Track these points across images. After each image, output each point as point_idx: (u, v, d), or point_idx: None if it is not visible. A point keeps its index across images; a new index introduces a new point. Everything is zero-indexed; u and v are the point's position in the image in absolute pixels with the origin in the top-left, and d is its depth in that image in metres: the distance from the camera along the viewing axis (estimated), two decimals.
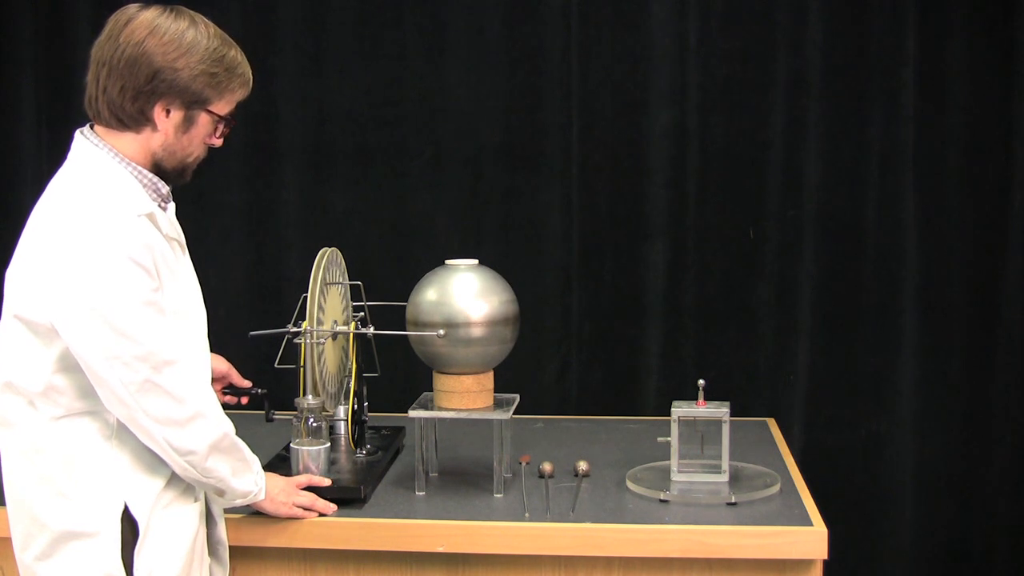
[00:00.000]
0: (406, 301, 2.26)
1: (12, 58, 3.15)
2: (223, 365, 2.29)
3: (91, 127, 1.84)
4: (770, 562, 2.03)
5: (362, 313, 2.47)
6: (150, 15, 1.78)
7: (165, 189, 1.87)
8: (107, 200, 1.75)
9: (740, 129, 3.01)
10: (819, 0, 2.95)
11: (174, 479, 1.84)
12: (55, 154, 3.13)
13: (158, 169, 1.84)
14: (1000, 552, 3.03)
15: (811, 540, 2.02)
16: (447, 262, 2.27)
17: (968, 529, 3.03)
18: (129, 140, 1.81)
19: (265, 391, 2.27)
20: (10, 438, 1.82)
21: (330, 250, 2.35)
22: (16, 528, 1.83)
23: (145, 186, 1.82)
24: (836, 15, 2.96)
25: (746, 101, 3.00)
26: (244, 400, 2.24)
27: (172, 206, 1.93)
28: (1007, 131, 2.94)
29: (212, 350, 2.01)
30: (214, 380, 2.25)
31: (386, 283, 2.69)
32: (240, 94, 1.87)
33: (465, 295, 2.19)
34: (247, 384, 2.28)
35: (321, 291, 2.25)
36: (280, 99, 3.09)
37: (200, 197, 3.07)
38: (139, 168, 1.82)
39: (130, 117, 1.79)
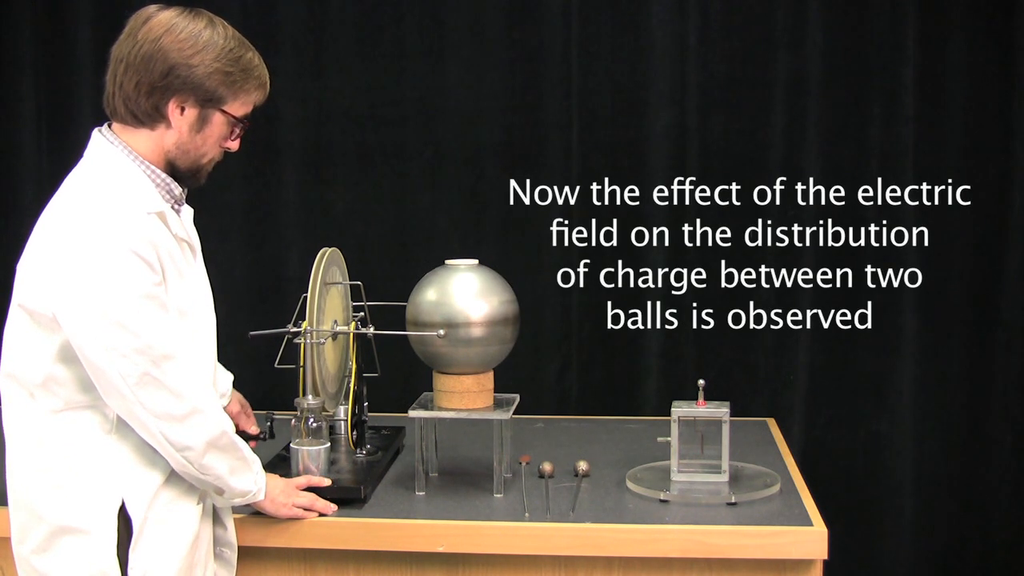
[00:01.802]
0: (406, 301, 2.26)
1: (12, 58, 3.15)
2: (236, 406, 2.30)
3: (109, 126, 1.86)
4: (770, 562, 2.03)
5: (362, 313, 2.47)
6: (168, 15, 1.81)
7: (178, 191, 1.88)
8: (116, 196, 1.76)
9: (740, 129, 3.01)
10: (819, 0, 2.96)
11: (173, 477, 1.84)
12: (55, 154, 3.16)
13: (172, 169, 1.85)
14: (999, 552, 3.03)
15: (811, 540, 2.02)
16: (447, 262, 2.27)
17: (968, 529, 3.04)
18: (144, 137, 1.82)
19: (273, 437, 2.29)
20: (13, 429, 1.83)
21: (330, 250, 2.35)
22: (15, 520, 1.83)
23: (158, 186, 1.84)
24: (836, 15, 2.96)
25: (746, 101, 3.00)
26: (252, 444, 2.24)
27: (189, 210, 1.95)
28: (1007, 131, 2.94)
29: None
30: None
31: (386, 283, 2.69)
32: (256, 96, 1.88)
33: (465, 295, 2.19)
34: (254, 431, 2.29)
35: (321, 291, 2.25)
36: (280, 99, 3.09)
37: (200, 197, 3.05)
38: (153, 168, 1.83)
39: (145, 113, 1.80)
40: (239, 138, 1.90)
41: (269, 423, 2.35)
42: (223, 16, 1.89)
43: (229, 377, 2.30)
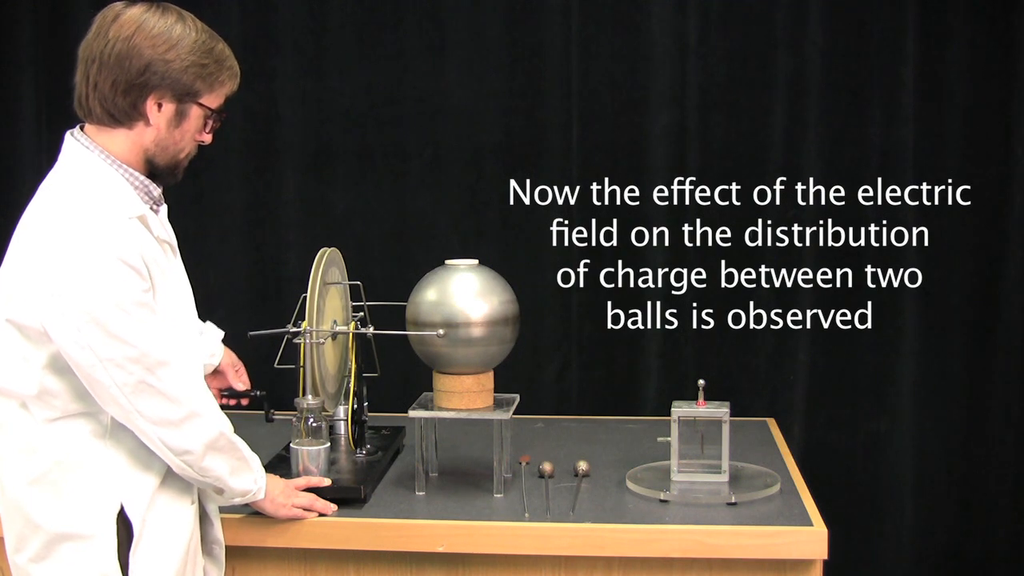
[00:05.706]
0: (406, 301, 2.26)
1: (12, 58, 3.15)
2: (228, 359, 2.29)
3: (81, 128, 1.84)
4: (770, 562, 2.03)
5: (362, 313, 2.47)
6: (137, 11, 1.79)
7: (156, 192, 1.86)
8: (97, 202, 1.74)
9: (740, 129, 3.01)
10: (819, 0, 2.96)
11: (169, 479, 1.83)
12: (55, 154, 3.14)
13: (150, 167, 1.84)
14: (1000, 552, 3.03)
15: (811, 540, 2.02)
16: (447, 262, 2.27)
17: (968, 529, 3.04)
18: (121, 137, 1.80)
19: (264, 393, 2.28)
20: (2, 440, 1.81)
21: (330, 250, 2.35)
22: (10, 530, 1.82)
23: (136, 188, 1.82)
24: (836, 15, 2.96)
25: (746, 101, 3.00)
26: (244, 401, 2.24)
27: (164, 209, 1.92)
28: (1007, 131, 2.94)
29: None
30: (217, 371, 2.26)
31: (386, 283, 2.69)
32: (229, 87, 1.87)
33: (465, 295, 2.19)
34: (243, 387, 2.28)
35: (321, 291, 2.25)
36: (280, 99, 3.09)
37: (200, 197, 3.07)
38: (130, 170, 1.81)
39: (122, 112, 1.78)
40: (213, 131, 1.89)
41: (267, 410, 2.35)
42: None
43: (219, 333, 2.28)
